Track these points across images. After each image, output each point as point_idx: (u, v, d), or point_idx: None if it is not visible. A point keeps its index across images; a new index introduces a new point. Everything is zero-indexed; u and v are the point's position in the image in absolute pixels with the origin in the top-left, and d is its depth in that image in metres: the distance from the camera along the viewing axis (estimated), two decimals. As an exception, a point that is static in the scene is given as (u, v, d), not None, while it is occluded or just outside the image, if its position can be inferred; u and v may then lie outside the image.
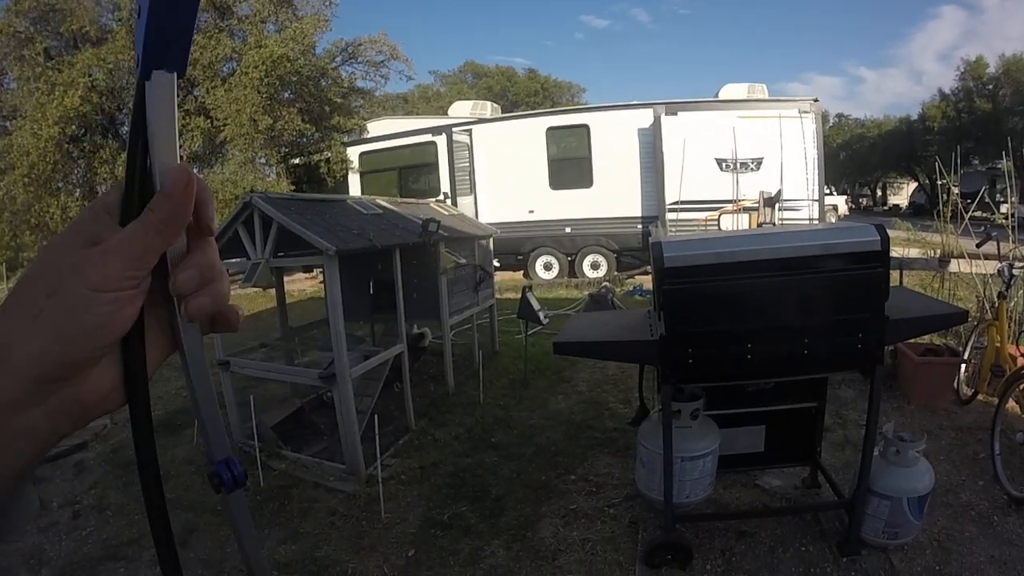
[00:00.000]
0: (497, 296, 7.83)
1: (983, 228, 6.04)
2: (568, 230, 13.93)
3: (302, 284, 14.87)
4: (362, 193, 14.77)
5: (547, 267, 14.36)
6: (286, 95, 15.22)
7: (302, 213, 4.44)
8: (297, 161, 16.97)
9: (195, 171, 0.50)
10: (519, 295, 6.39)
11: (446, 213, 6.97)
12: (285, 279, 6.30)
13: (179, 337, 0.53)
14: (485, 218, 12.56)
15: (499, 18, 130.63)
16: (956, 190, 7.43)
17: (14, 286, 0.48)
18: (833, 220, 26.12)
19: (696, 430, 3.21)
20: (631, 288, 12.20)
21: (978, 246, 5.90)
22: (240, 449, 4.70)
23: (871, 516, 3.22)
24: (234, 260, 4.75)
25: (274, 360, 5.21)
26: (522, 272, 14.46)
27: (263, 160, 15.13)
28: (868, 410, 3.09)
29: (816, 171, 12.45)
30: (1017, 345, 5.48)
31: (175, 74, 0.47)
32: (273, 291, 6.07)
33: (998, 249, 5.62)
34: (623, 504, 3.95)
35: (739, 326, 2.77)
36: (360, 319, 6.25)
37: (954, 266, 7.23)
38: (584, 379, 6.54)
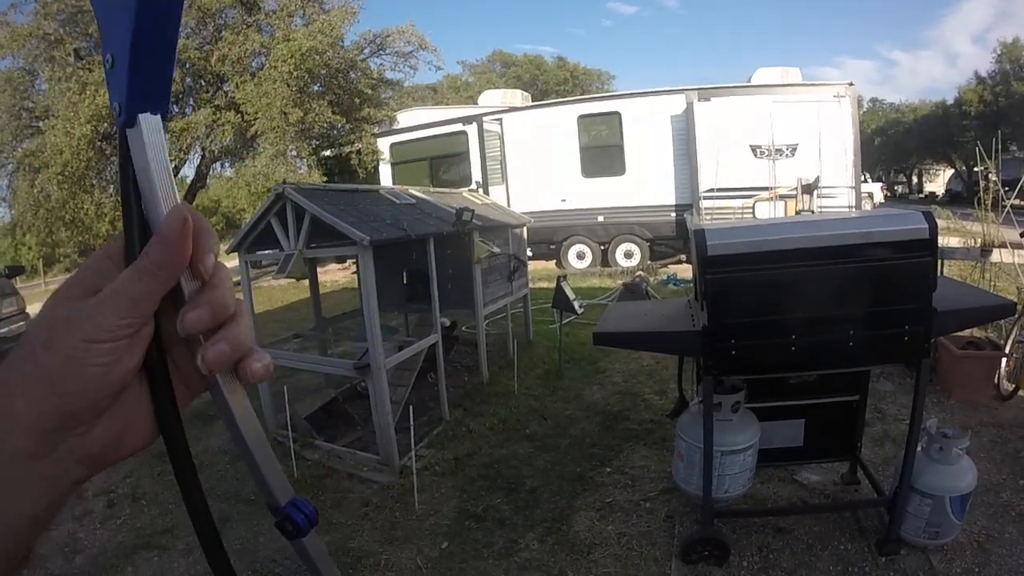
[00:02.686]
0: (531, 286, 7.80)
1: None
2: (601, 219, 13.83)
3: (335, 275, 15.00)
4: (393, 183, 14.82)
5: (580, 256, 14.28)
6: (316, 88, 15.24)
7: (335, 203, 4.44)
8: (328, 153, 17.03)
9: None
10: (552, 284, 6.37)
11: (479, 202, 6.95)
12: (319, 270, 6.33)
13: (212, 386, 0.51)
14: (517, 207, 12.45)
15: (526, 7, 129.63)
16: (995, 177, 7.24)
17: (22, 335, 0.49)
18: (869, 208, 25.95)
19: (737, 423, 3.15)
20: (665, 277, 12.10)
21: (1022, 235, 5.75)
22: (274, 439, 4.73)
23: (912, 515, 3.14)
24: (267, 252, 4.78)
25: (308, 351, 5.24)
26: (555, 261, 14.40)
27: (294, 153, 15.18)
28: (913, 405, 3.00)
29: (853, 157, 12.17)
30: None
31: (159, 115, 0.47)
32: (306, 282, 6.11)
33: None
34: (659, 498, 3.91)
35: (783, 316, 2.71)
36: (394, 309, 6.27)
37: (996, 256, 7.06)
38: (619, 370, 6.49)
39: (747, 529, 3.51)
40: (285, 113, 13.83)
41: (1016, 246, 6.42)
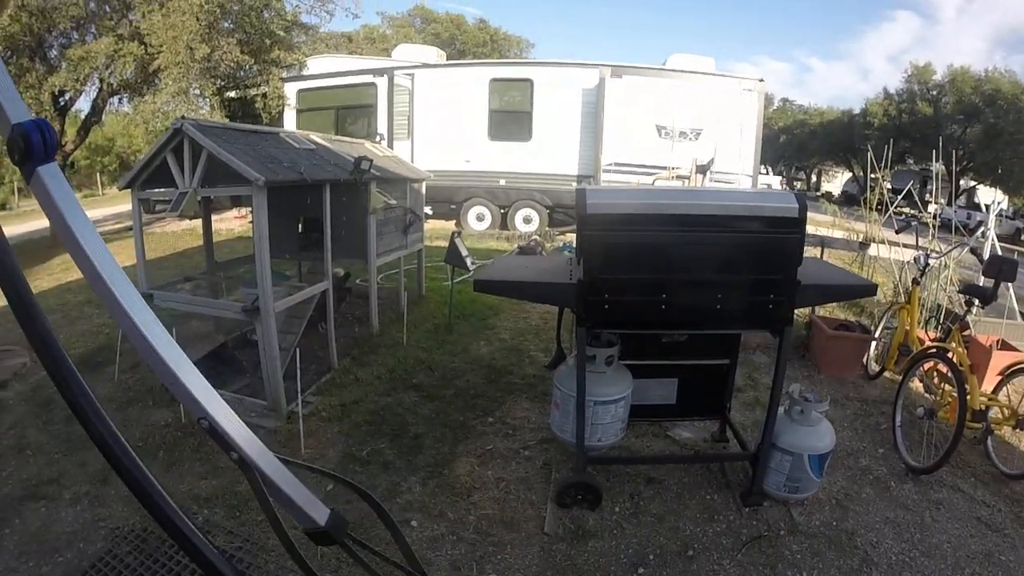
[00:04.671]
0: (427, 243, 7.82)
1: (904, 217, 6.33)
2: (503, 182, 13.90)
3: (231, 223, 14.50)
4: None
5: (480, 218, 14.31)
6: (226, 24, 14.54)
7: (233, 142, 4.32)
8: (233, 95, 16.33)
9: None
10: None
11: (380, 154, 6.86)
12: (215, 217, 6.13)
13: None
14: (421, 164, 12.38)
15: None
16: (888, 184, 7.72)
17: None
18: None
19: (610, 376, 3.32)
20: (561, 245, 12.30)
21: (898, 232, 6.20)
22: (162, 387, 4.61)
23: (774, 470, 3.41)
24: (161, 190, 4.60)
25: (199, 295, 5.10)
26: (454, 221, 14.35)
27: (197, 91, 14.44)
28: (775, 368, 3.24)
29: (754, 148, 12.75)
30: (925, 329, 5.80)
31: None
32: (200, 230, 5.92)
33: (916, 240, 5.90)
34: (538, 447, 4.08)
35: (655, 276, 2.87)
36: (288, 256, 6.16)
37: (873, 250, 7.57)
38: (507, 327, 6.64)
39: (620, 478, 3.71)
40: (191, 48, 13.12)
41: (892, 243, 6.88)
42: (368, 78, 14.55)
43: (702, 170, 12.00)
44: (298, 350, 4.31)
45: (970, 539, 3.46)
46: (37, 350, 0.48)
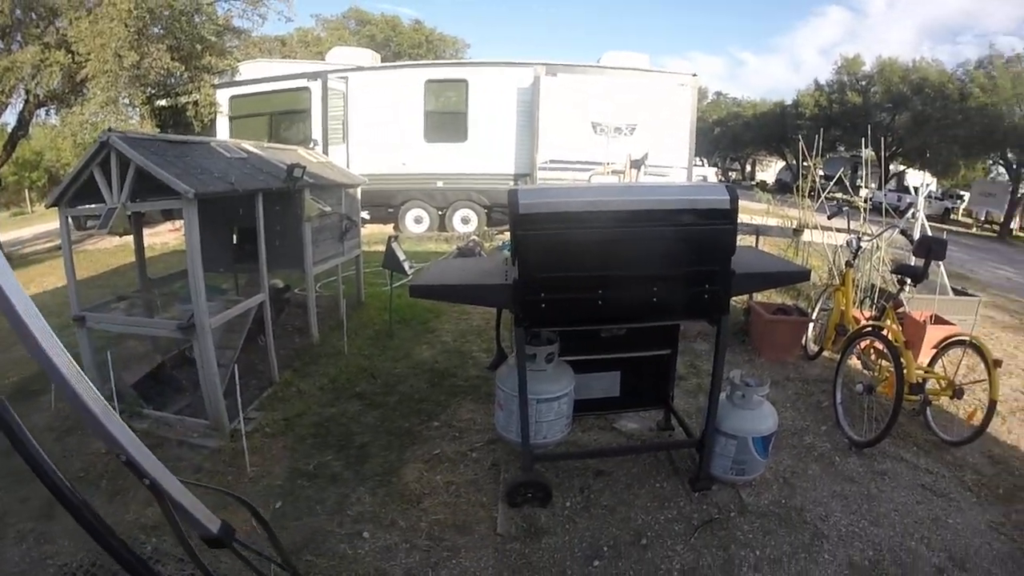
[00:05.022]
0: (366, 248, 7.76)
1: (835, 203, 6.50)
2: (440, 184, 13.82)
3: (165, 237, 14.10)
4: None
5: (418, 220, 14.18)
6: (156, 30, 14.11)
7: (162, 154, 4.19)
8: (164, 103, 15.86)
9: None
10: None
11: (313, 160, 6.75)
12: (148, 232, 5.95)
13: None
14: (357, 168, 12.12)
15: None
16: (820, 171, 7.91)
17: None
18: None
19: (551, 373, 3.34)
20: (500, 244, 12.29)
21: (829, 218, 6.35)
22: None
23: (719, 454, 3.48)
24: (91, 206, 4.45)
25: (133, 315, 4.94)
26: (393, 225, 14.23)
27: (127, 100, 14.02)
28: (715, 356, 3.30)
29: (688, 141, 12.97)
30: (860, 309, 5.97)
31: None
32: (133, 244, 5.73)
33: (848, 224, 6.06)
34: (485, 448, 4.07)
35: (591, 273, 2.88)
36: (224, 270, 6.02)
37: (807, 236, 7.75)
38: (449, 329, 6.62)
39: (569, 473, 3.73)
40: (120, 56, 12.69)
41: (826, 228, 7.06)
42: (301, 82, 14.28)
43: (636, 165, 12.11)
44: (237, 366, 4.22)
45: (916, 506, 3.58)
46: None
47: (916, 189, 7.37)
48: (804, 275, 3.51)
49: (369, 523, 3.35)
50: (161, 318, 4.93)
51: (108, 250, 12.38)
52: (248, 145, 5.73)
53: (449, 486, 3.66)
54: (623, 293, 2.93)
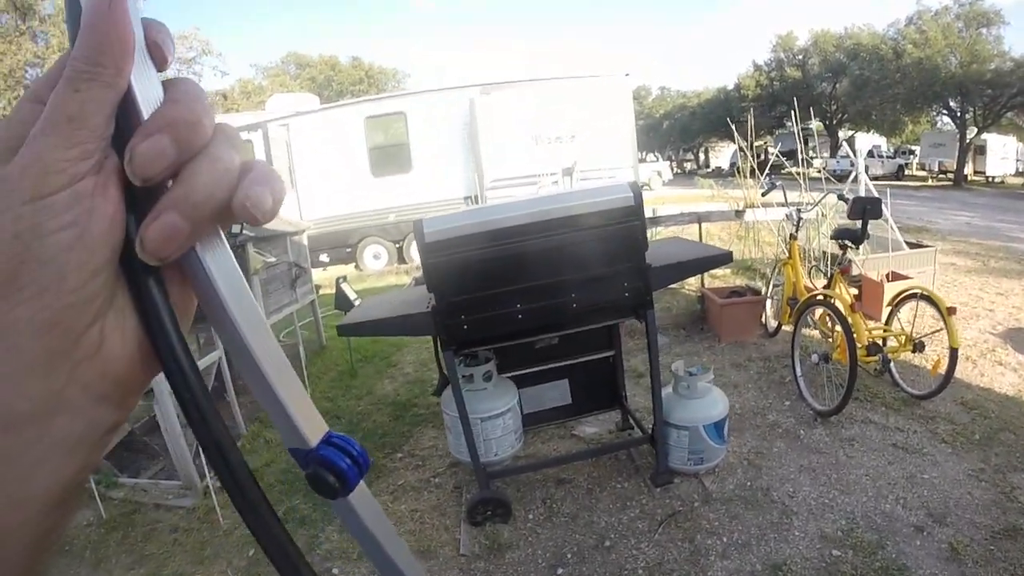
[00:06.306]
0: (326, 291, 7.71)
1: (769, 178, 6.59)
2: (392, 217, 13.71)
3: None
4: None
5: (376, 256, 14.07)
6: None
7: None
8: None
9: None
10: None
11: (255, 213, 6.76)
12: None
13: (192, 265, 0.34)
14: (310, 213, 12.21)
15: (322, 4, 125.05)
16: (773, 149, 7.99)
17: None
18: (660, 184, 29.86)
19: (491, 391, 3.40)
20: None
21: (763, 195, 6.46)
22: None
23: (674, 447, 3.51)
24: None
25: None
26: (353, 264, 14.13)
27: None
28: (648, 352, 3.37)
29: (630, 140, 13.07)
30: (811, 278, 6.04)
31: None
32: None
33: (785, 197, 6.12)
34: (447, 472, 4.12)
35: (504, 288, 2.94)
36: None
37: (750, 215, 7.85)
38: (410, 360, 6.65)
39: (530, 485, 3.78)
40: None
41: (766, 205, 7.17)
42: (243, 135, 14.13)
43: (567, 172, 12.18)
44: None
45: (889, 467, 3.62)
46: None
47: (855, 152, 7.52)
48: (726, 257, 3.54)
49: (338, 560, 3.38)
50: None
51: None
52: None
53: (414, 513, 3.71)
54: (542, 304, 2.98)
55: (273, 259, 5.97)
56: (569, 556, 3.17)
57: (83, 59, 0.30)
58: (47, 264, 0.29)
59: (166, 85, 0.33)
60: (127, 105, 0.31)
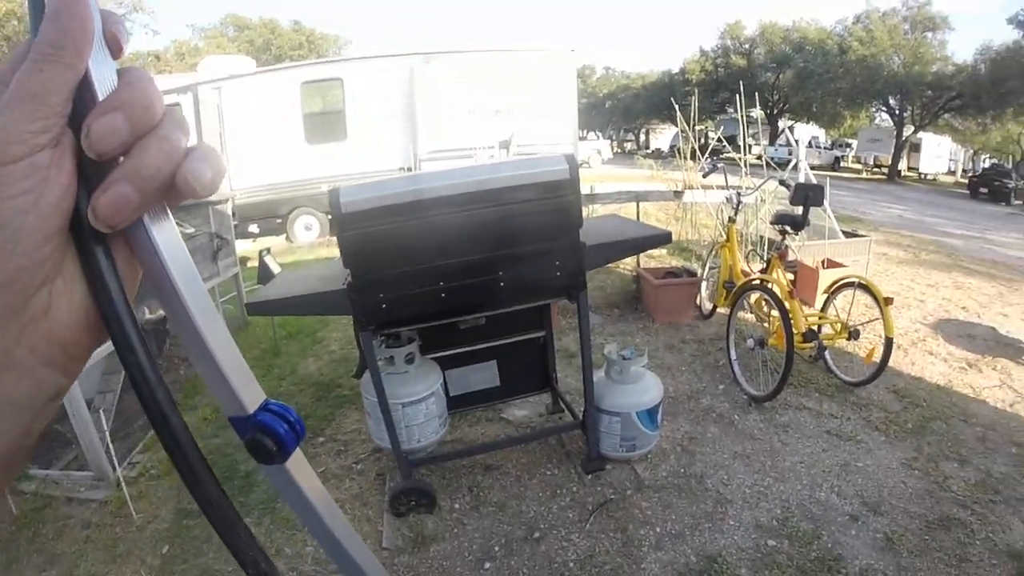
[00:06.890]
0: (253, 264, 7.39)
1: (710, 161, 6.56)
2: (324, 187, 12.53)
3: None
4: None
5: (308, 228, 13.51)
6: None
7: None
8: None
9: None
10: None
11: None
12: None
13: (139, 236, 0.36)
14: (240, 181, 11.71)
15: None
16: (714, 133, 8.01)
17: None
18: (599, 162, 30.05)
19: (413, 374, 3.20)
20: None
21: (704, 176, 6.43)
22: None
23: (605, 433, 3.39)
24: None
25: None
26: (284, 236, 13.54)
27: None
28: (580, 334, 3.22)
29: (572, 117, 12.92)
30: (748, 261, 6.03)
31: None
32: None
33: (725, 180, 6.05)
34: (370, 459, 3.93)
35: (427, 265, 2.75)
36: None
37: (688, 196, 7.83)
38: (337, 337, 6.37)
39: (456, 472, 3.63)
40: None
41: (706, 187, 7.15)
42: (172, 98, 13.09)
43: (504, 145, 11.99)
44: (110, 410, 3.99)
45: (823, 454, 3.61)
46: None
47: (796, 142, 7.59)
48: (665, 238, 3.41)
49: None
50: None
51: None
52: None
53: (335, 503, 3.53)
54: (468, 282, 2.79)
55: (192, 229, 5.67)
56: (497, 549, 3.04)
57: (47, 42, 0.32)
58: (3, 227, 0.31)
59: (120, 72, 0.35)
60: (85, 87, 0.34)
